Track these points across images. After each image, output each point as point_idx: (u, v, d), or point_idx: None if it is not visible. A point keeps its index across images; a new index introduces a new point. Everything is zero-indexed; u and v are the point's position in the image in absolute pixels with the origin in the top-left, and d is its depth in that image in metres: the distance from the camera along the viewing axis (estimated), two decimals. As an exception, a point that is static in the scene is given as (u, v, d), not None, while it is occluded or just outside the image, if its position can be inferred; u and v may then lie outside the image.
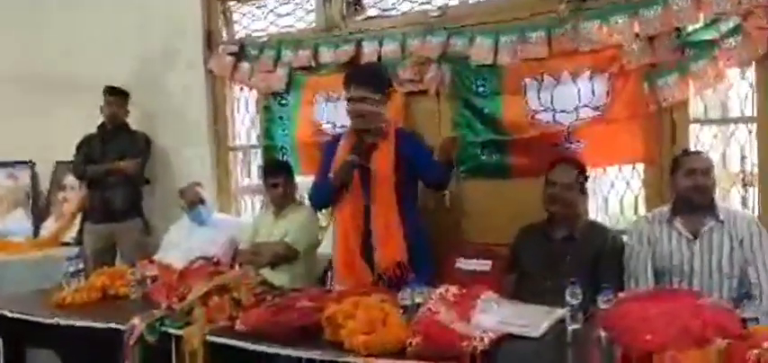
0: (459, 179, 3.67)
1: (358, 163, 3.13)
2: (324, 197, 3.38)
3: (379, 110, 3.20)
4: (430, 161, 3.26)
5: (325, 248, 3.73)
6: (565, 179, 3.09)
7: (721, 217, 2.76)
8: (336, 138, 3.43)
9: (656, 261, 2.84)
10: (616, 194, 3.54)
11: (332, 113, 4.11)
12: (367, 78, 3.24)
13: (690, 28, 3.21)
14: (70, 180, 5.06)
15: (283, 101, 4.31)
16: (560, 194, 3.07)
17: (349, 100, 3.19)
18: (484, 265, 3.42)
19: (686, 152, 3.02)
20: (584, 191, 3.18)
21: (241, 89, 4.63)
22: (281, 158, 4.28)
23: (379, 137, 3.19)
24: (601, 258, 2.97)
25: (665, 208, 2.90)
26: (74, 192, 5.08)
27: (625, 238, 3.05)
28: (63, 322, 2.92)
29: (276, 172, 3.89)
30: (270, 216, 3.93)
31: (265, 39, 4.44)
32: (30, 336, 3.10)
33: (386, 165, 3.14)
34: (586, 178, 3.18)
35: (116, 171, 4.46)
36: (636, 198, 3.47)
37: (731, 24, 3.09)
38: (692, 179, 2.79)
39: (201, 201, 4.18)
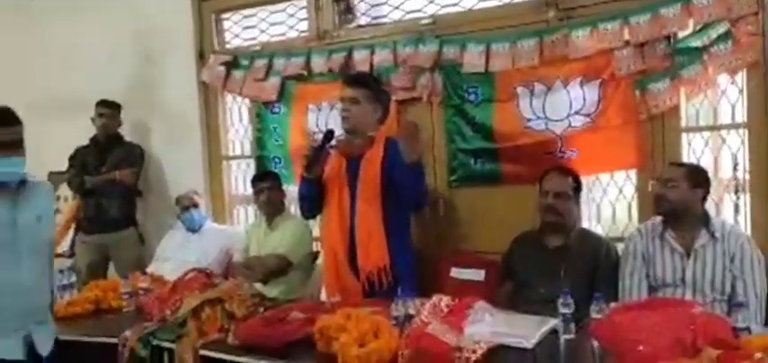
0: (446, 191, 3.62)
1: (318, 145, 3.12)
2: (308, 196, 3.25)
3: (366, 113, 3.15)
4: (403, 178, 3.00)
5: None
6: (559, 188, 3.10)
7: (716, 234, 2.75)
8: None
9: (649, 276, 2.84)
10: (609, 201, 3.54)
11: (324, 122, 4.10)
12: (357, 80, 3.23)
13: (680, 35, 3.22)
14: (63, 191, 5.03)
15: (276, 111, 4.30)
16: (555, 203, 3.08)
17: (341, 100, 3.19)
18: (477, 274, 3.42)
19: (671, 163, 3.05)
20: (577, 200, 3.19)
21: (234, 98, 4.62)
22: (270, 169, 4.27)
23: (368, 144, 3.14)
24: (598, 271, 2.98)
25: (658, 220, 2.89)
26: (66, 204, 5.05)
27: (620, 248, 3.05)
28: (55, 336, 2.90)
29: (262, 178, 3.97)
30: (262, 228, 3.94)
31: (257, 48, 4.43)
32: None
33: (372, 172, 3.08)
34: (580, 186, 3.20)
35: (113, 181, 4.44)
36: (629, 204, 3.47)
37: (721, 30, 3.10)
38: (661, 189, 2.82)
39: (195, 205, 4.19)
